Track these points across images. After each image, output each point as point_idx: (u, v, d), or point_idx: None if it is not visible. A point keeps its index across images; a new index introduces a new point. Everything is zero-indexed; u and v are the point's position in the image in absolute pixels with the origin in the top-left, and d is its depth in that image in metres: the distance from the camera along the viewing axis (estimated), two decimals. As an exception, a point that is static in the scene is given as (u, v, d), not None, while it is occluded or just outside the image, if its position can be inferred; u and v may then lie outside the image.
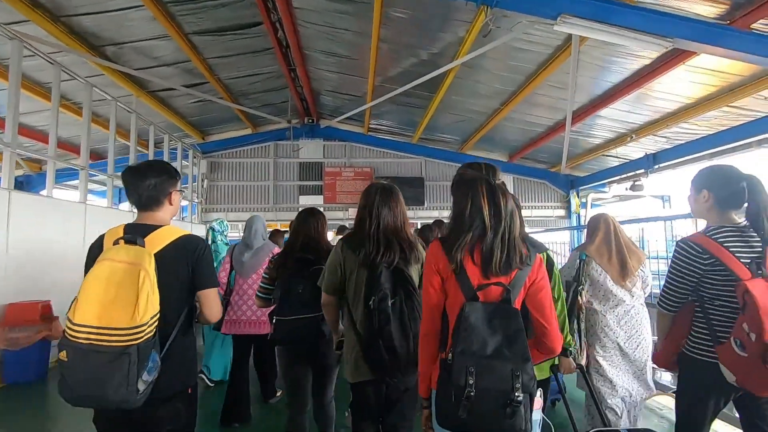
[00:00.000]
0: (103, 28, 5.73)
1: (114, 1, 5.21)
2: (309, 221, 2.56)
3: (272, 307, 2.58)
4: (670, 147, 8.21)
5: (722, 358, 1.67)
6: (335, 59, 7.50)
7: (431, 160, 11.34)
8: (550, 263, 2.21)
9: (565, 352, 2.32)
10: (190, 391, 1.70)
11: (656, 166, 8.25)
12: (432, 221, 4.83)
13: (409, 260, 1.90)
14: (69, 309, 1.41)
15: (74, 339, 1.37)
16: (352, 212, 10.94)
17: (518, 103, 7.64)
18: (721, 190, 1.82)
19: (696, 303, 1.82)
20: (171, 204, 1.74)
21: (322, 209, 10.86)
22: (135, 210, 1.72)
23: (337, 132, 11.11)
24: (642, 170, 8.55)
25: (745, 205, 1.78)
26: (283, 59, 7.38)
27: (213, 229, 4.10)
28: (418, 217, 11.26)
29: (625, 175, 9.30)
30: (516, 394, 1.23)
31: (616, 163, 9.92)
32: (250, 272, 3.44)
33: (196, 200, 10.61)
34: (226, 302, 3.44)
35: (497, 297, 1.40)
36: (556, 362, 2.34)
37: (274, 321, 2.46)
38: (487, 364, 1.26)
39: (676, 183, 11.17)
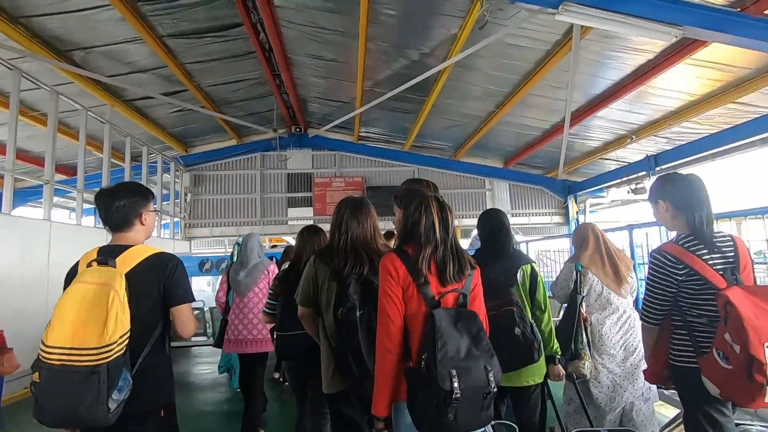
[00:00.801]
0: (68, 30, 5.31)
1: (77, 0, 4.79)
2: (312, 238, 2.68)
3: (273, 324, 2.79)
4: (670, 148, 7.93)
5: (705, 370, 1.62)
6: (321, 63, 7.14)
7: (424, 168, 10.97)
8: (534, 275, 2.34)
9: (553, 359, 2.36)
10: (162, 413, 1.67)
11: (657, 168, 7.94)
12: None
13: (378, 271, 1.91)
14: (44, 333, 1.43)
15: (47, 360, 1.39)
16: (344, 224, 10.53)
17: (514, 105, 7.32)
18: (674, 196, 1.84)
19: (674, 313, 1.78)
20: (143, 224, 1.76)
21: (311, 221, 10.45)
22: (107, 228, 1.73)
23: (326, 141, 10.72)
24: (644, 172, 8.23)
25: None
26: (267, 64, 7.01)
27: (238, 244, 4.00)
28: (412, 227, 10.86)
29: (624, 179, 8.98)
30: (492, 386, 1.34)
31: (614, 167, 9.65)
32: (246, 291, 3.42)
33: (180, 216, 10.10)
34: (225, 322, 3.50)
35: (453, 303, 1.52)
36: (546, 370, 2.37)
37: (275, 336, 2.67)
38: (464, 366, 1.33)
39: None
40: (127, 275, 1.55)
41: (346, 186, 10.62)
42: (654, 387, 2.59)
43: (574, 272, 2.63)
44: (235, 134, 10.10)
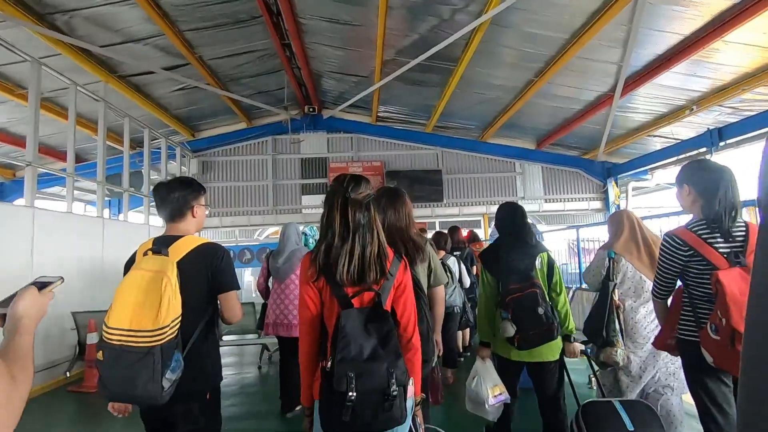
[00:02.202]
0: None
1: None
2: None
3: None
4: (735, 120, 6.87)
5: (702, 341, 1.79)
6: (336, 27, 6.31)
7: (449, 150, 10.11)
8: (550, 261, 2.51)
9: (568, 338, 2.48)
10: (209, 396, 1.75)
11: (722, 144, 6.90)
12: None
13: (414, 260, 1.99)
14: (106, 315, 1.53)
15: (108, 340, 1.51)
16: (362, 212, 9.77)
17: (556, 72, 6.38)
18: (700, 182, 1.93)
19: (684, 291, 1.97)
20: (194, 216, 1.87)
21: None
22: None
23: (342, 123, 9.94)
24: (704, 149, 7.20)
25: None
26: (275, 31, 6.22)
27: (305, 234, 4.15)
28: (436, 215, 10.06)
29: (681, 157, 7.92)
30: (392, 389, 1.33)
31: (661, 145, 8.63)
32: (285, 277, 3.61)
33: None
34: (265, 306, 3.76)
35: (370, 301, 1.49)
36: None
37: None
38: (365, 368, 1.34)
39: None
40: (178, 263, 1.64)
41: (364, 171, 9.81)
42: (681, 377, 2.50)
43: (607, 259, 2.62)
44: (245, 116, 9.39)
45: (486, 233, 10.01)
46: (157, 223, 8.14)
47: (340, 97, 9.00)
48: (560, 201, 10.27)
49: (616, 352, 2.45)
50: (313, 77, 8.13)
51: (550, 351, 2.39)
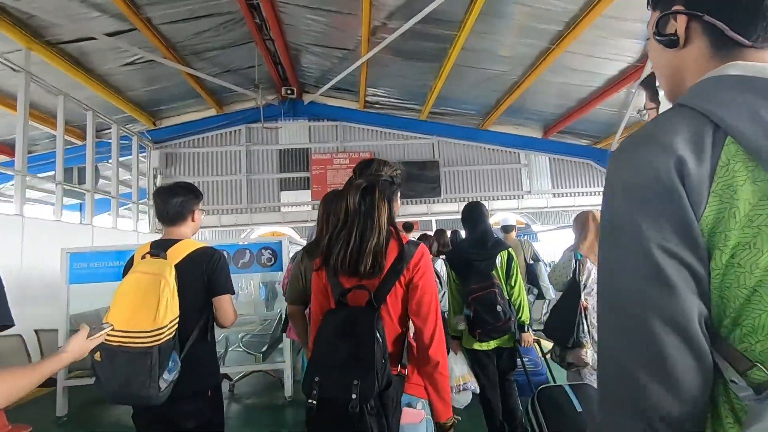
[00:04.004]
0: None
1: None
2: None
3: None
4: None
5: None
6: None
7: (446, 139, 9.04)
8: (510, 258, 2.70)
9: (522, 327, 2.69)
10: (210, 393, 1.76)
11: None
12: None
13: None
14: (104, 316, 1.54)
15: (107, 342, 1.47)
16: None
17: (576, 38, 5.38)
18: None
19: None
20: (193, 221, 1.88)
21: (309, 207, 8.54)
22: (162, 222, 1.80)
23: (326, 109, 8.83)
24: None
25: None
26: (239, -14, 5.10)
27: None
28: (433, 212, 8.97)
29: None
30: (351, 405, 1.16)
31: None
32: None
33: (149, 205, 8.24)
34: None
35: (363, 301, 1.34)
36: (517, 336, 2.68)
37: None
38: (331, 375, 1.22)
39: None
40: (176, 266, 1.64)
41: (351, 163, 8.69)
42: None
43: (573, 261, 2.62)
44: (214, 102, 8.21)
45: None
46: (104, 225, 6.92)
47: (323, 78, 7.88)
48: (570, 195, 9.26)
49: (586, 352, 2.50)
50: (289, 52, 7.01)
51: (506, 340, 2.65)
